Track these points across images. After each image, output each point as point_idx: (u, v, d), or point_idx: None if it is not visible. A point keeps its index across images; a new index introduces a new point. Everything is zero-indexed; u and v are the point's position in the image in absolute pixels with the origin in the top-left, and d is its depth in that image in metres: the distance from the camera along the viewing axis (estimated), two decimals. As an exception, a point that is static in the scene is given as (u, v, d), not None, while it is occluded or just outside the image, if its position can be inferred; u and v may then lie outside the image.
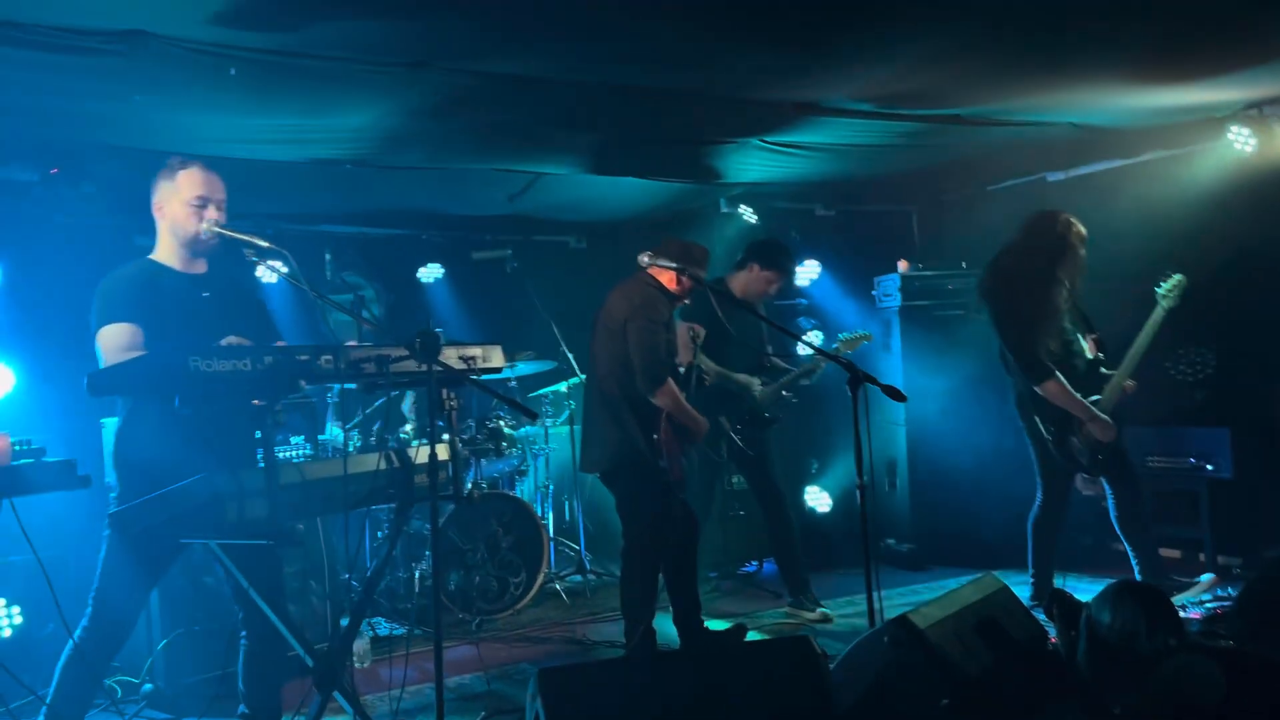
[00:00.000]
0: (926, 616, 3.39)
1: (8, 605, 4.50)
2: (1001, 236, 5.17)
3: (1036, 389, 4.84)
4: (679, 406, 4.51)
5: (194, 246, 3.42)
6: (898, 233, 7.66)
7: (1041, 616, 4.55)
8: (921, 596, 5.68)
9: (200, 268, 3.49)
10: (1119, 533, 4.96)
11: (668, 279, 4.56)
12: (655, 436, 4.49)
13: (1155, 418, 5.90)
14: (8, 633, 4.48)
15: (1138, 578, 4.90)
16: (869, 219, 7.56)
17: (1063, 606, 4.29)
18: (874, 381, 3.78)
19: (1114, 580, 3.62)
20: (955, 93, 4.70)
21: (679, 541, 4.67)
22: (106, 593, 3.27)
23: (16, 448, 2.91)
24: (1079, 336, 4.96)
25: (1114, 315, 5.15)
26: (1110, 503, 4.94)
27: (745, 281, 5.42)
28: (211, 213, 3.39)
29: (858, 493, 3.71)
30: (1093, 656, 3.23)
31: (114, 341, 3.18)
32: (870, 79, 4.41)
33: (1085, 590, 4.70)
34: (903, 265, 6.70)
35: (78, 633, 3.23)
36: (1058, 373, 4.77)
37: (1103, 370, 4.94)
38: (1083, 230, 4.89)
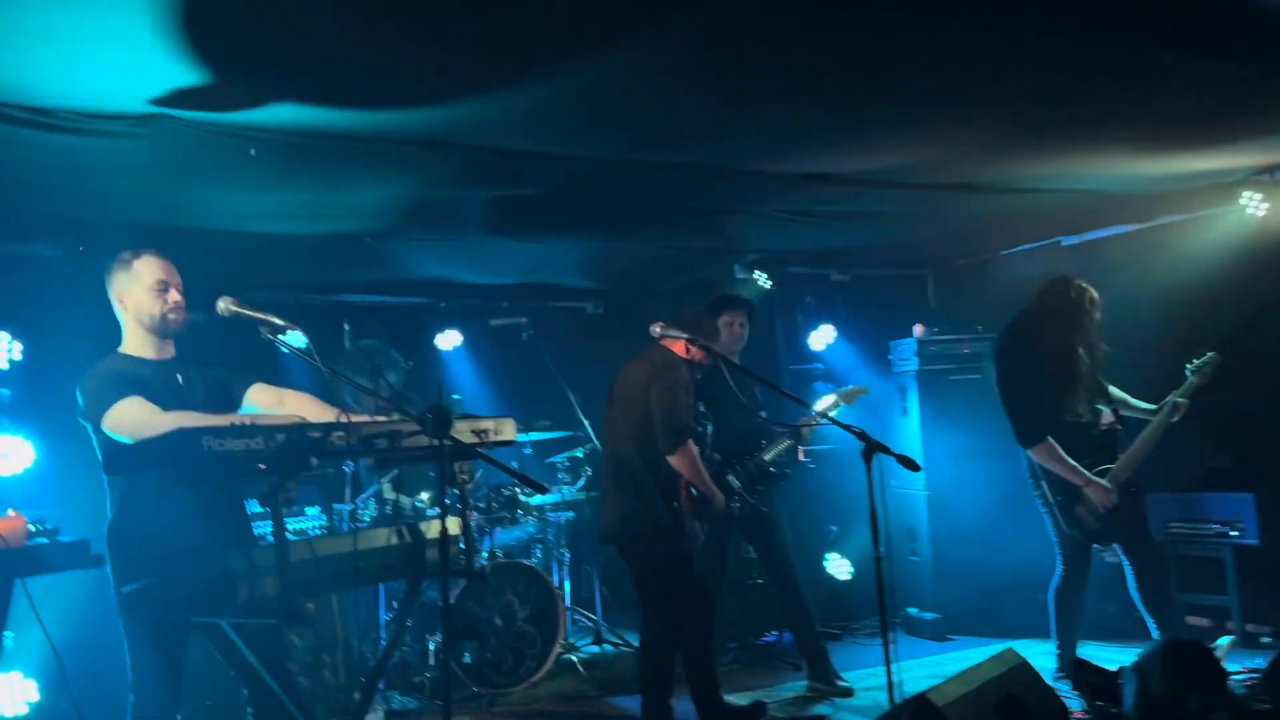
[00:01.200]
0: (945, 694, 3.33)
1: (24, 679, 4.49)
2: (1016, 300, 5.16)
3: (1028, 452, 4.82)
4: (696, 471, 4.48)
5: (163, 330, 3.41)
6: (913, 297, 7.66)
7: (1066, 688, 4.49)
8: (944, 668, 5.58)
9: (169, 352, 3.47)
10: (1138, 604, 4.85)
11: (680, 349, 4.59)
12: (676, 504, 4.46)
13: (1177, 484, 5.82)
14: (24, 709, 4.47)
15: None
16: (884, 284, 7.58)
17: (1090, 675, 4.21)
18: (888, 451, 3.77)
19: (1157, 641, 3.56)
20: (965, 164, 4.74)
21: (696, 616, 4.61)
22: (142, 681, 3.24)
23: (32, 528, 2.92)
24: (1094, 405, 4.90)
25: (1129, 380, 5.11)
26: (1127, 572, 4.84)
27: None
28: (174, 295, 3.40)
29: (874, 561, 3.68)
30: (1141, 716, 3.15)
31: (130, 415, 3.15)
32: (880, 152, 4.46)
33: (1111, 659, 4.62)
34: (918, 330, 6.69)
35: None
36: (1049, 436, 4.72)
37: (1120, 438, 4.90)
38: (1095, 295, 4.86)
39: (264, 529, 4.80)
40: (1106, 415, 4.91)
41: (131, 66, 3.13)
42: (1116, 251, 6.38)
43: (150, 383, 3.31)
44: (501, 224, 5.37)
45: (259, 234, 5.07)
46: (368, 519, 5.53)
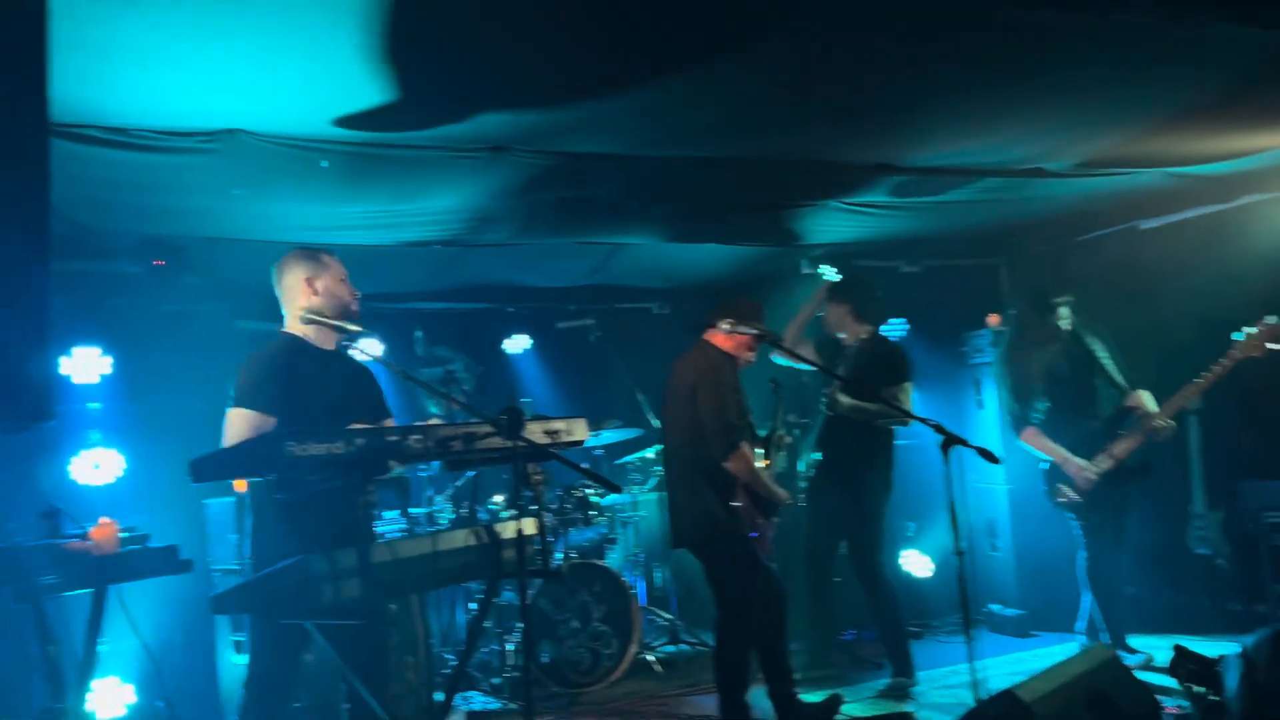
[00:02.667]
0: (1033, 690, 3.25)
1: (121, 684, 4.62)
2: (1093, 287, 5.07)
3: (1018, 438, 5.46)
4: (752, 474, 4.45)
5: (347, 316, 3.55)
6: (986, 287, 7.50)
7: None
8: (1028, 665, 5.46)
9: (330, 344, 3.58)
10: (1081, 577, 5.33)
11: (725, 343, 4.56)
12: (734, 505, 4.43)
13: (1273, 472, 5.61)
14: (122, 711, 4.60)
15: (1080, 627, 5.46)
16: (955, 274, 7.43)
17: (1190, 663, 4.08)
18: (966, 444, 3.69)
19: (1266, 630, 3.45)
20: (1038, 149, 4.62)
21: (769, 613, 4.57)
22: (257, 673, 3.37)
23: (124, 535, 3.01)
24: (1097, 395, 5.31)
25: (1213, 362, 4.96)
26: (1081, 550, 5.29)
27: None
28: (355, 291, 3.59)
29: (955, 556, 3.61)
30: (1252, 703, 3.04)
31: (237, 426, 3.25)
32: (950, 138, 4.38)
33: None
34: (993, 320, 6.56)
35: None
36: (1029, 425, 5.37)
37: (1135, 416, 5.19)
38: (1052, 300, 5.37)
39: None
40: (1133, 399, 5.22)
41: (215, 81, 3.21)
42: (1197, 234, 6.18)
43: (308, 368, 3.43)
44: (567, 225, 5.40)
45: (332, 245, 5.15)
46: (445, 523, 5.60)
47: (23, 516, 3.20)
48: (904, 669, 5.35)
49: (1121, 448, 5.18)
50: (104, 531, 2.95)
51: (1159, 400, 5.17)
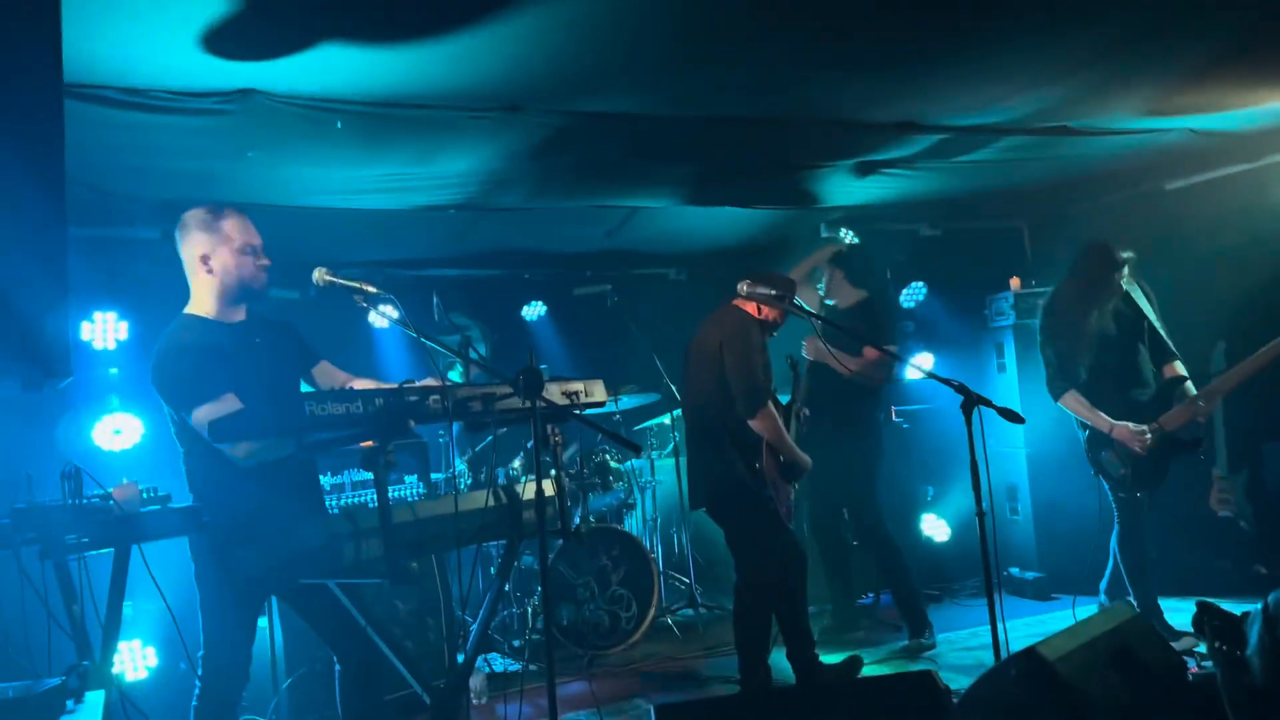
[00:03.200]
0: (1055, 648, 3.22)
1: (144, 647, 4.67)
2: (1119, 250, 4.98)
3: (1056, 401, 5.14)
4: (778, 434, 4.44)
5: (249, 293, 3.39)
6: (1008, 250, 7.44)
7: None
8: (1048, 627, 5.44)
9: (240, 315, 3.45)
10: (1113, 546, 5.11)
11: (752, 309, 4.56)
12: (758, 466, 4.42)
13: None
14: (144, 674, 4.65)
15: (1103, 586, 5.24)
16: (977, 237, 7.36)
17: (1214, 618, 4.04)
18: (989, 404, 3.66)
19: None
20: (1063, 105, 4.54)
21: (789, 575, 4.57)
22: (217, 639, 3.33)
23: (145, 495, 3.02)
24: (1144, 358, 5.05)
25: (1243, 325, 4.89)
26: (1116, 522, 5.08)
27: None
28: (261, 259, 3.39)
29: (977, 520, 3.58)
30: (1274, 658, 3.01)
31: (214, 417, 3.04)
32: (975, 95, 4.30)
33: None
34: (1015, 283, 6.49)
35: (196, 692, 3.30)
36: (1073, 388, 5.04)
37: (1186, 387, 4.99)
38: (1122, 258, 5.01)
39: (367, 495, 4.90)
40: (1168, 371, 5.06)
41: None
42: (1224, 194, 6.08)
43: (226, 348, 3.29)
44: (583, 188, 5.36)
45: (347, 210, 5.14)
46: (463, 486, 5.62)
47: (46, 480, 3.21)
48: (919, 629, 5.36)
49: (1172, 419, 4.89)
50: (125, 491, 2.96)
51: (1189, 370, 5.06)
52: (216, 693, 3.29)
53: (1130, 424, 4.89)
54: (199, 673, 3.30)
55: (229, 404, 3.10)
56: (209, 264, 3.36)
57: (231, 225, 3.37)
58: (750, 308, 4.56)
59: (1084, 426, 5.08)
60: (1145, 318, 5.06)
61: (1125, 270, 5.02)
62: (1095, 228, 6.77)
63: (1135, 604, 4.91)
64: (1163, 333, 5.09)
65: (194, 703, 3.29)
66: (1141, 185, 6.49)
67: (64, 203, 2.25)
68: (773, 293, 4.39)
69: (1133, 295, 5.09)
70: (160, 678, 4.66)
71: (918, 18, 3.46)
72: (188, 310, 3.42)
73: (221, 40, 3.16)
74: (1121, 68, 4.11)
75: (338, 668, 3.55)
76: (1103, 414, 4.96)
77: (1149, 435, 4.86)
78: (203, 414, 3.08)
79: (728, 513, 4.55)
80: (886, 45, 3.70)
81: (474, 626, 5.37)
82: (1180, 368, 5.06)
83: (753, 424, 4.36)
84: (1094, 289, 5.03)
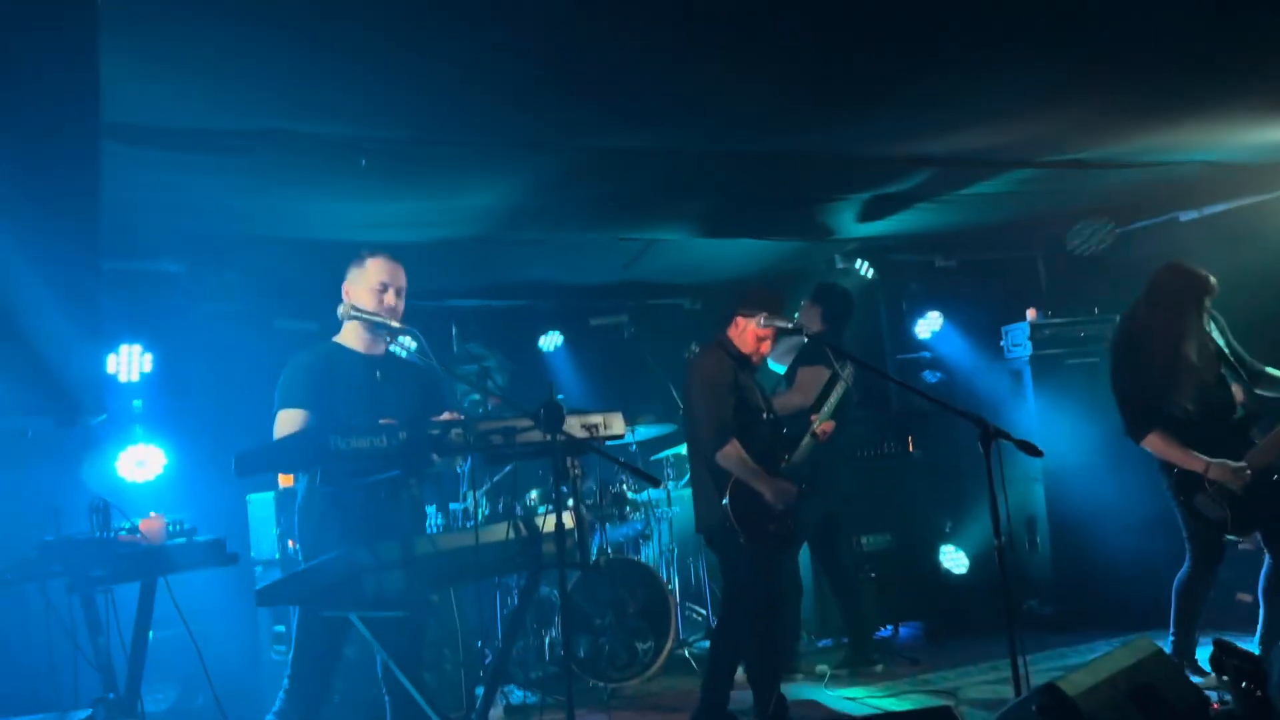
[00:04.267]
0: (1076, 684, 3.21)
1: (165, 677, 4.70)
2: (1133, 280, 4.96)
3: (1139, 442, 4.62)
4: (743, 468, 4.33)
5: (374, 330, 3.57)
6: (1024, 280, 7.43)
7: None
8: (1068, 661, 5.41)
9: (379, 349, 3.63)
10: (1259, 592, 4.62)
11: (736, 337, 4.46)
12: (724, 502, 4.38)
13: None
14: (165, 704, 4.67)
15: (1258, 639, 4.59)
16: (992, 268, 7.37)
17: (1234, 659, 3.99)
18: (1007, 436, 3.65)
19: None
20: (1076, 138, 4.59)
21: (772, 610, 4.54)
22: (300, 663, 3.39)
23: (170, 528, 3.06)
24: (1230, 391, 4.65)
25: (1259, 356, 4.87)
26: (1266, 561, 4.59)
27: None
28: (390, 298, 3.57)
29: (996, 553, 3.58)
30: None
31: (286, 426, 3.32)
32: (987, 129, 4.35)
33: (1204, 644, 4.38)
34: (1031, 314, 6.50)
35: (274, 710, 3.35)
36: (1157, 428, 4.54)
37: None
38: (1208, 280, 4.60)
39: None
40: (1238, 401, 4.66)
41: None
42: (1239, 225, 6.08)
43: (345, 375, 3.49)
44: (601, 221, 5.42)
45: (369, 243, 5.19)
46: (481, 517, 5.63)
47: (73, 511, 3.26)
48: (858, 652, 5.42)
49: (1260, 456, 4.47)
50: (152, 525, 3.01)
51: None
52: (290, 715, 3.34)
53: (1229, 461, 4.45)
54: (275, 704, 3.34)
55: (300, 418, 3.31)
56: (349, 295, 3.59)
57: (373, 263, 3.59)
58: (734, 336, 4.47)
59: (1170, 469, 4.60)
60: (1227, 345, 4.67)
61: (1212, 292, 4.60)
62: (1112, 258, 6.79)
63: (1173, 642, 4.74)
64: (1243, 358, 4.68)
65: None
66: (1155, 216, 6.50)
67: (98, 243, 2.30)
68: (789, 325, 4.39)
69: (1213, 321, 4.70)
70: (179, 707, 4.68)
71: (928, 58, 3.52)
72: (334, 338, 3.64)
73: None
74: (1133, 102, 4.15)
75: (387, 698, 3.58)
76: (1197, 454, 4.49)
77: (1248, 471, 4.43)
78: (280, 419, 3.35)
79: (715, 543, 4.58)
80: (898, 83, 3.76)
81: (491, 660, 5.39)
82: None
83: (718, 460, 4.35)
84: (1182, 316, 4.56)
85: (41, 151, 2.33)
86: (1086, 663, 3.52)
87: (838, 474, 5.48)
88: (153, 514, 3.08)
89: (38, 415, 2.25)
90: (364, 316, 3.47)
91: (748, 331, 4.42)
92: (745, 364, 4.49)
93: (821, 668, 5.48)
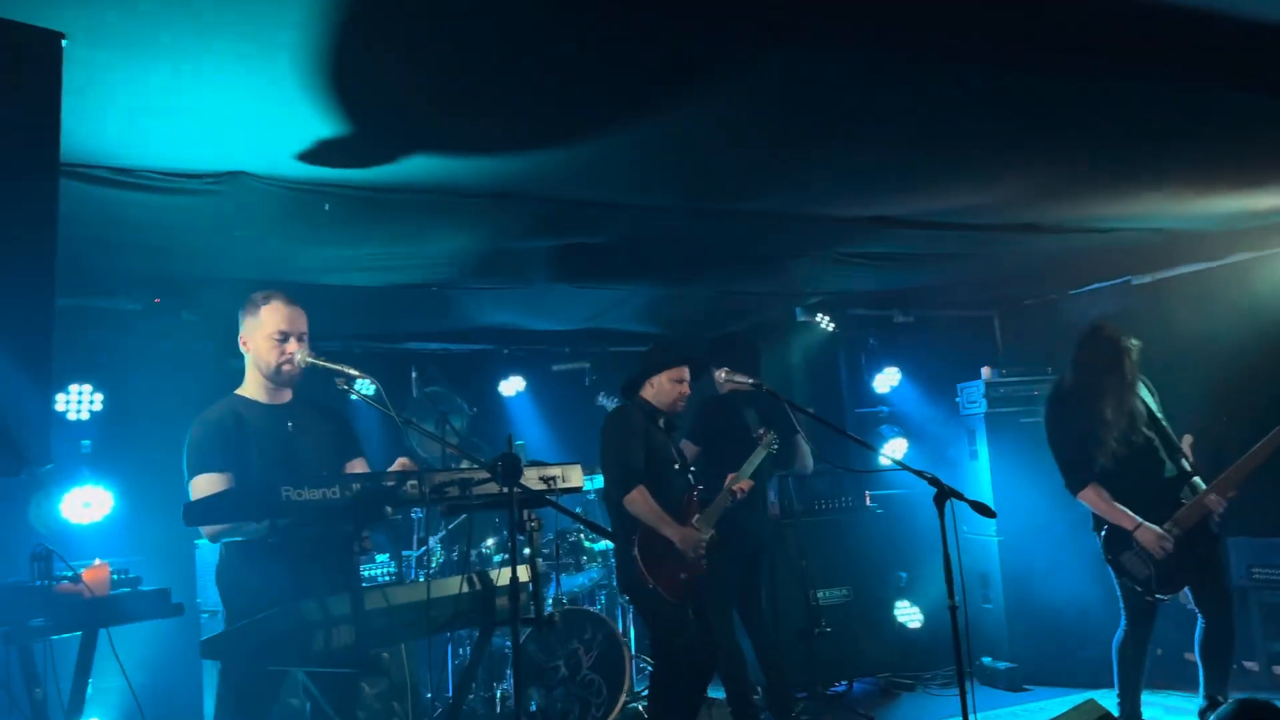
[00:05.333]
0: (1027, 748, 3.23)
1: (100, 726, 4.56)
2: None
3: (1075, 496, 4.76)
4: (649, 514, 4.44)
5: (277, 379, 3.46)
6: (979, 338, 7.57)
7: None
8: (1020, 718, 5.44)
9: (285, 397, 3.53)
10: (1196, 653, 4.69)
11: (648, 393, 4.70)
12: (634, 554, 4.40)
13: (1259, 529, 5.62)
14: (99, 754, 4.53)
15: (1201, 698, 4.67)
16: (949, 324, 7.50)
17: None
18: (961, 497, 3.69)
19: (1230, 702, 3.43)
20: (1032, 204, 4.70)
21: (690, 662, 4.52)
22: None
23: (115, 577, 2.99)
24: (1158, 451, 4.73)
25: (1207, 420, 4.97)
26: (1199, 620, 4.67)
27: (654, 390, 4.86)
28: (292, 345, 3.43)
29: (949, 611, 3.59)
30: None
31: (204, 492, 3.19)
32: (945, 193, 4.44)
33: (1154, 704, 4.40)
34: (986, 372, 6.59)
35: None
36: (1094, 481, 4.66)
37: (1194, 482, 4.69)
38: (1128, 341, 4.74)
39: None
40: (1186, 450, 4.76)
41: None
42: (1189, 290, 6.24)
43: (255, 429, 3.38)
44: (565, 272, 5.43)
45: (330, 286, 5.17)
46: (435, 565, 5.57)
47: (13, 555, 3.18)
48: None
49: (1186, 518, 4.56)
50: (96, 574, 2.93)
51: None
52: None
53: (1156, 527, 4.55)
54: None
55: (220, 482, 3.19)
56: (246, 346, 3.48)
57: (269, 311, 3.43)
58: (647, 393, 4.68)
59: (1101, 525, 4.74)
60: (1154, 409, 4.80)
61: (1133, 356, 4.73)
62: (1064, 319, 6.93)
63: (1119, 703, 4.80)
64: (1167, 426, 4.81)
65: None
66: (1110, 279, 6.65)
67: (53, 288, 2.27)
68: (750, 381, 4.43)
69: (1140, 385, 4.83)
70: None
71: (889, 129, 3.60)
72: (236, 391, 3.51)
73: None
74: (1087, 172, 4.26)
75: None
76: (1127, 511, 4.61)
77: (1169, 539, 4.54)
78: (197, 484, 3.22)
79: (634, 599, 4.59)
80: (862, 151, 3.84)
81: (440, 712, 5.29)
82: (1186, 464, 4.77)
83: (626, 505, 4.44)
84: (1105, 377, 4.70)
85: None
86: (1037, 726, 3.54)
87: (759, 531, 5.44)
88: (97, 561, 3.00)
89: (-20, 464, 2.19)
90: (323, 365, 3.41)
91: (664, 388, 4.64)
92: (656, 417, 4.66)
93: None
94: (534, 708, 5.43)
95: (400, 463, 3.35)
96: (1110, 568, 4.75)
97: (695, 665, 4.54)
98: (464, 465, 3.32)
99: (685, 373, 4.74)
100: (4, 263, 2.28)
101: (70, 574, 2.92)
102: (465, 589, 3.32)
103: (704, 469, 5.07)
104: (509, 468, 3.04)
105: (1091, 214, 5.01)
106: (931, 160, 4.03)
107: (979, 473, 6.53)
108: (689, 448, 5.29)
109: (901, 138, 3.72)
